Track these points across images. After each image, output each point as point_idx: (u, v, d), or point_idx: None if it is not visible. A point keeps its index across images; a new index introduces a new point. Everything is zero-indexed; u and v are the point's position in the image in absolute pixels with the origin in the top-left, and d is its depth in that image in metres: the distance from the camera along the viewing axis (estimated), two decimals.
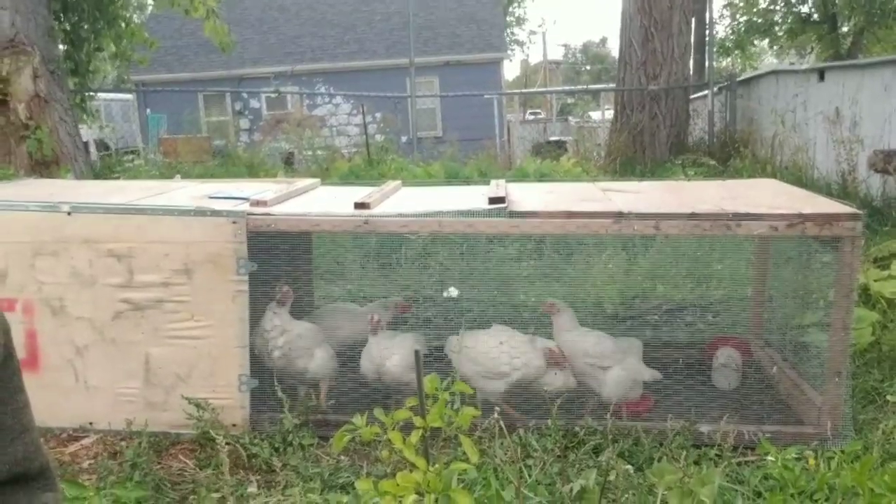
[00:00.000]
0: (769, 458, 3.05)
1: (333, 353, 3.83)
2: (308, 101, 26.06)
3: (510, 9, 45.18)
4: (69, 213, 3.40)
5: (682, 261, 5.37)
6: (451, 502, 1.74)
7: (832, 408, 3.39)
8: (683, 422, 3.35)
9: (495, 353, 3.63)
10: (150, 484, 3.01)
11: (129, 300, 3.42)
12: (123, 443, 3.41)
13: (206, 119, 25.83)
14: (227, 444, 3.31)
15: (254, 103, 26.18)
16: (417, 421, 1.88)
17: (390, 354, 3.63)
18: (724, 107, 12.78)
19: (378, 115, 23.78)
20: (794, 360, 4.03)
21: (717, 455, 3.20)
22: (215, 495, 2.96)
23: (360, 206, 3.47)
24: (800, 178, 8.49)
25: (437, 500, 1.73)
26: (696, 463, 3.20)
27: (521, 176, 9.13)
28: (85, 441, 3.47)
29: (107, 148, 23.39)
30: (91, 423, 3.50)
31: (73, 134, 10.58)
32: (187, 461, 3.35)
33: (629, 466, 3.20)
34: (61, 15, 11.34)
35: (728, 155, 10.86)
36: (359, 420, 1.90)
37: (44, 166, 9.82)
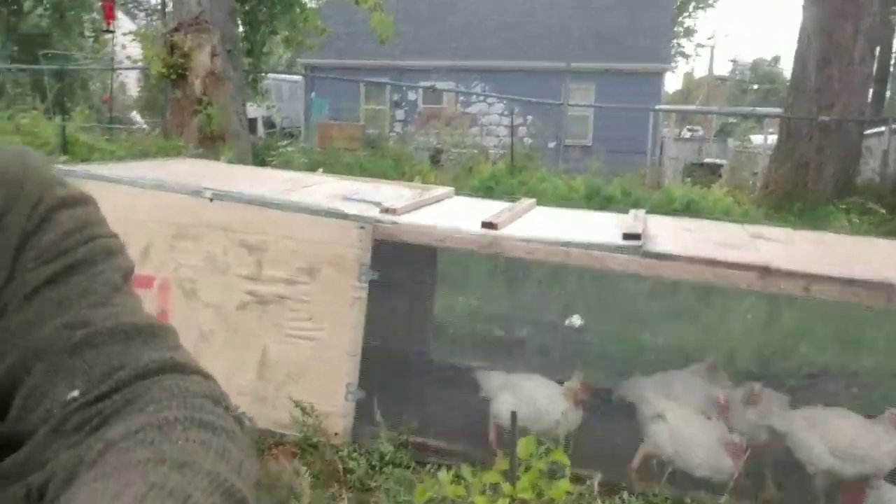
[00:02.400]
0: None
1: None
2: (462, 97, 26.32)
3: (680, 18, 43.62)
4: (211, 200, 3.53)
5: (832, 320, 4.94)
6: None
7: None
8: None
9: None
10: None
11: (254, 292, 3.50)
12: None
13: (364, 107, 26.66)
14: (325, 457, 3.35)
15: (411, 95, 26.73)
16: (506, 488, 1.77)
17: None
18: None
19: (530, 117, 23.66)
20: None
21: None
22: None
23: (487, 225, 3.38)
24: None
25: None
26: None
27: (667, 201, 8.74)
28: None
29: (273, 126, 24.65)
30: None
31: (239, 112, 11.16)
32: (286, 464, 3.39)
33: None
34: None
35: None
36: (444, 476, 1.81)
37: (210, 141, 10.42)
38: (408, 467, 3.29)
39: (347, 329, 3.42)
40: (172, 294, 3.59)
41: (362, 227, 3.38)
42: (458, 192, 8.03)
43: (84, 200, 0.79)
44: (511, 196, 7.16)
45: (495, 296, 5.36)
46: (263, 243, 3.48)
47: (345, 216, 3.42)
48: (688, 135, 32.12)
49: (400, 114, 27.24)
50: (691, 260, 3.17)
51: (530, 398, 3.43)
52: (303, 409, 3.34)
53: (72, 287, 0.71)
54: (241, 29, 12.19)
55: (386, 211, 3.49)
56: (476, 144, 16.12)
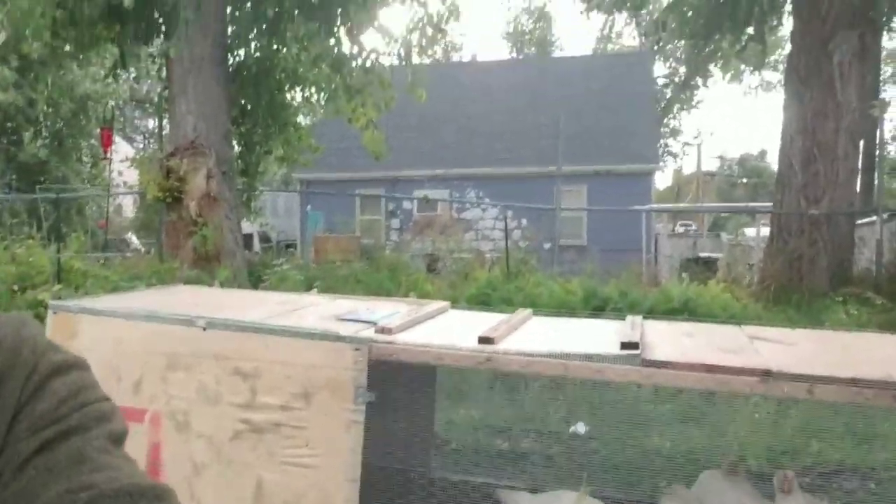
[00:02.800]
0: None
1: None
2: (457, 204, 26.77)
3: (665, 120, 45.01)
4: (204, 329, 3.51)
5: (842, 415, 4.83)
6: None
7: None
8: None
9: None
10: None
11: (248, 421, 3.42)
12: None
13: (360, 217, 27.10)
14: None
15: (406, 204, 27.21)
16: None
17: None
18: (894, 235, 11.82)
19: (524, 221, 24.01)
20: None
21: None
22: None
23: (484, 340, 3.35)
24: None
25: None
26: None
27: (665, 300, 8.73)
28: None
29: (268, 240, 24.92)
30: None
31: (234, 231, 11.30)
32: None
33: None
34: (239, 119, 12.33)
35: None
36: None
37: (205, 261, 10.51)
38: None
39: (345, 454, 3.32)
40: (164, 427, 3.51)
41: (357, 349, 3.35)
42: (456, 300, 8.03)
43: (77, 365, 0.80)
44: (508, 304, 7.16)
45: (496, 406, 5.26)
46: (257, 370, 3.43)
47: (339, 338, 3.39)
48: (681, 230, 32.54)
49: (395, 223, 27.66)
50: (691, 367, 3.12)
51: None
52: None
53: (64, 453, 0.71)
54: (236, 149, 12.50)
55: (381, 330, 3.47)
56: (472, 249, 16.27)
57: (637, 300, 8.84)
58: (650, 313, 7.42)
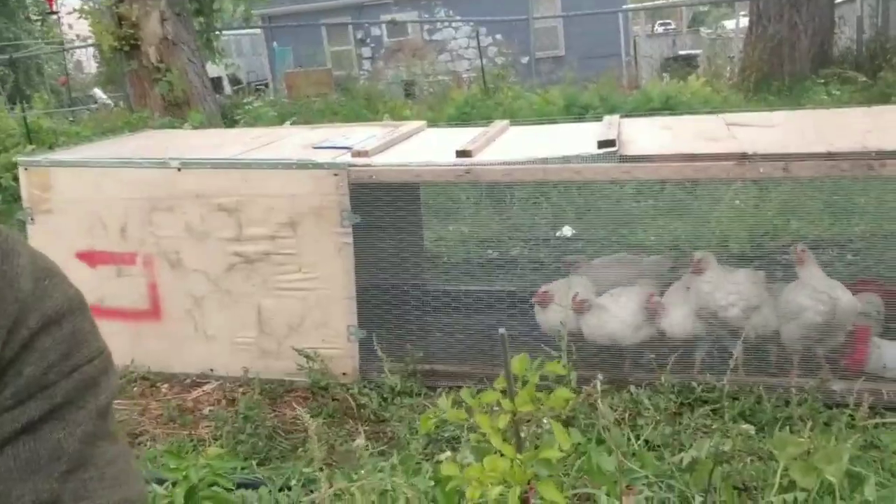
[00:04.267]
0: None
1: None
2: (428, 26, 25.75)
3: None
4: (179, 169, 3.48)
5: (821, 192, 4.93)
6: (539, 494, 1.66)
7: None
8: (812, 380, 3.10)
9: None
10: (263, 434, 3.11)
11: (240, 253, 3.49)
12: (241, 389, 3.55)
13: (329, 49, 26.11)
14: (336, 397, 3.41)
15: (375, 31, 26.14)
16: (505, 404, 1.79)
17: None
18: (874, 11, 11.51)
19: (499, 36, 23.19)
20: None
21: (850, 417, 2.93)
22: (324, 447, 3.02)
23: (462, 154, 3.35)
24: None
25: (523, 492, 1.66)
26: (827, 424, 2.96)
27: (645, 101, 8.64)
28: (206, 387, 3.64)
29: (239, 82, 24.13)
30: (212, 370, 3.66)
31: (200, 74, 10.94)
32: (300, 409, 3.44)
33: (749, 426, 3.01)
34: None
35: (879, 67, 9.80)
36: (443, 402, 1.83)
37: (176, 107, 10.26)
38: (419, 395, 3.35)
39: (339, 275, 3.42)
40: (158, 266, 3.58)
41: (336, 174, 3.35)
42: (435, 122, 7.94)
43: (71, 309, 0.71)
44: (487, 120, 7.08)
45: (484, 219, 5.34)
46: (240, 204, 3.44)
47: (317, 165, 3.38)
48: (660, 30, 31.55)
49: (366, 51, 26.69)
50: (668, 158, 3.15)
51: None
52: (307, 357, 3.38)
53: (45, 445, 0.68)
54: None
55: (358, 154, 3.45)
56: (448, 71, 15.87)
57: (618, 104, 8.75)
58: (632, 115, 7.38)
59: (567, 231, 5.33)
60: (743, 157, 3.04)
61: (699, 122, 4.07)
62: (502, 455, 1.71)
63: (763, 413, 3.07)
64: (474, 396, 1.81)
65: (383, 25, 25.23)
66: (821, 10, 11.40)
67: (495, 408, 1.91)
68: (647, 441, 2.87)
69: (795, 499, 2.28)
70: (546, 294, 3.55)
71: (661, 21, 36.22)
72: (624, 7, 22.09)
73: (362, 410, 3.34)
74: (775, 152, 3.05)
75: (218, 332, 3.61)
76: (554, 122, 7.54)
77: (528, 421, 2.05)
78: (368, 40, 26.42)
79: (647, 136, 3.61)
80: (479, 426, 1.79)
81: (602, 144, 3.21)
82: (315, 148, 3.68)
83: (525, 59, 19.19)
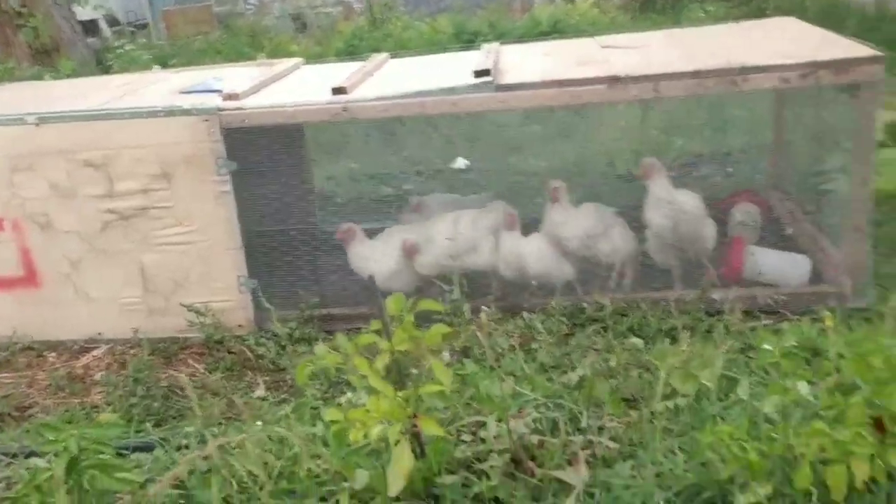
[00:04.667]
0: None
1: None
2: None
3: None
4: (37, 125, 3.26)
5: (700, 110, 5.06)
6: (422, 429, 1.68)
7: (852, 264, 3.22)
8: (693, 292, 3.24)
9: None
10: (158, 394, 3.02)
11: (113, 210, 3.32)
12: (133, 351, 3.43)
13: None
14: (233, 347, 3.35)
15: None
16: (383, 345, 1.79)
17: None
18: None
19: None
20: (815, 212, 3.82)
21: (727, 327, 3.08)
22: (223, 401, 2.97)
23: (337, 91, 3.25)
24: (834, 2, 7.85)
25: (404, 428, 1.67)
26: (708, 332, 3.11)
27: (534, 26, 8.61)
28: (95, 352, 3.49)
29: (117, 23, 22.65)
30: (99, 334, 3.51)
31: (68, 18, 10.23)
32: (197, 366, 3.37)
33: (638, 340, 3.13)
34: None
35: None
36: (320, 349, 1.81)
37: (45, 55, 9.58)
38: (317, 340, 3.31)
39: (220, 224, 3.31)
40: (28, 230, 3.38)
41: (207, 120, 3.20)
42: (323, 57, 7.69)
43: None
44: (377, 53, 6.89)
45: (375, 155, 5.26)
46: (107, 158, 3.26)
47: (186, 112, 3.22)
48: None
49: None
50: (543, 85, 3.14)
51: None
52: (197, 312, 3.29)
53: None
54: None
55: (229, 97, 3.30)
56: (338, 2, 15.32)
57: (507, 29, 8.68)
58: (521, 40, 7.34)
59: (460, 162, 5.32)
60: (614, 80, 3.07)
61: (577, 46, 4.06)
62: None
63: (649, 327, 3.19)
64: (351, 340, 1.80)
65: None
66: None
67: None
68: (542, 364, 2.94)
69: (676, 405, 2.39)
70: (350, 230, 3.59)
71: None
72: None
73: (260, 361, 3.29)
74: (645, 73, 3.09)
75: (101, 294, 3.46)
76: (445, 50, 7.43)
77: (416, 358, 2.07)
78: None
79: (524, 63, 3.59)
80: (358, 369, 1.79)
81: (478, 74, 3.17)
82: (183, 93, 3.50)
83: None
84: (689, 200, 3.45)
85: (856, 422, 1.83)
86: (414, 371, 2.04)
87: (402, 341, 1.77)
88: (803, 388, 2.25)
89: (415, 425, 1.93)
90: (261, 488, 2.01)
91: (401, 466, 1.83)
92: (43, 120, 3.26)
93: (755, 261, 3.49)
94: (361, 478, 1.94)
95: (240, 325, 3.43)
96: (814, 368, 2.30)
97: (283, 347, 3.32)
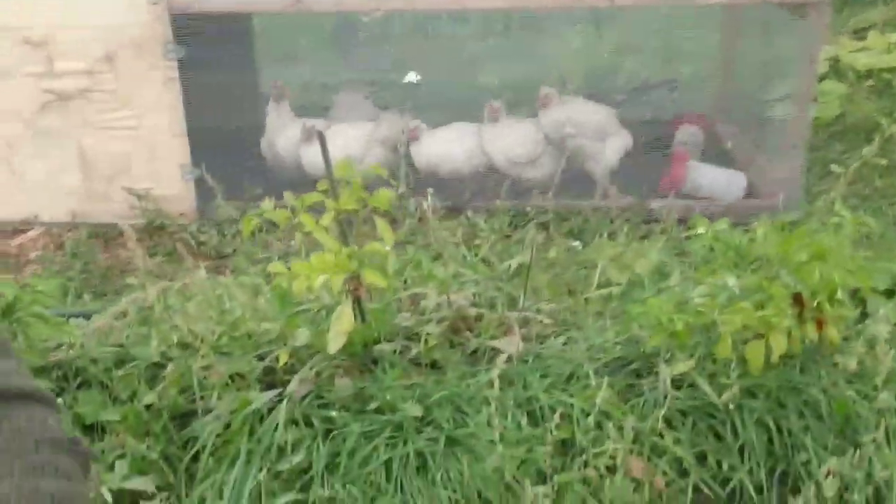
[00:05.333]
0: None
1: None
2: None
3: None
4: None
5: (655, 36, 5.11)
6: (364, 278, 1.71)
7: (786, 179, 3.35)
8: (632, 198, 3.33)
9: None
10: (97, 273, 3.00)
11: (52, 90, 3.23)
12: (70, 234, 3.38)
13: None
14: (175, 232, 3.32)
15: None
16: (329, 204, 1.81)
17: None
18: None
19: None
20: (757, 135, 3.94)
21: (663, 231, 3.19)
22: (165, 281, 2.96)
23: None
24: None
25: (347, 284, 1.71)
26: (644, 237, 3.21)
27: None
28: (30, 234, 3.43)
29: None
30: (35, 216, 3.44)
31: None
32: (136, 248, 3.33)
33: (577, 243, 3.22)
34: None
35: None
36: (267, 203, 1.82)
37: None
38: (260, 231, 3.30)
39: (165, 111, 3.25)
40: None
41: (155, 2, 3.11)
42: None
43: None
44: None
45: (327, 62, 5.18)
46: (48, 37, 3.15)
47: None
48: None
49: None
50: None
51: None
52: (138, 196, 3.24)
53: None
54: None
55: None
56: None
57: None
58: None
59: (413, 77, 5.28)
60: None
61: None
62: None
63: (589, 231, 3.28)
64: (297, 198, 1.82)
65: None
66: None
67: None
68: (483, 259, 3.00)
69: (611, 293, 2.48)
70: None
71: None
72: None
73: (202, 248, 3.28)
74: None
75: (37, 176, 3.37)
76: None
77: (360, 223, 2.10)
78: None
79: None
80: (303, 225, 1.81)
81: None
82: None
83: None
84: (586, 115, 3.55)
85: (777, 300, 1.94)
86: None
87: (348, 201, 1.79)
88: (731, 280, 2.37)
89: (356, 288, 1.97)
90: (201, 341, 2.04)
91: (341, 324, 1.88)
92: None
93: (695, 176, 3.59)
94: (302, 336, 1.98)
95: (182, 214, 3.41)
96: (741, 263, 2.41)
97: (225, 236, 3.31)
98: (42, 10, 3.15)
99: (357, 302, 2.01)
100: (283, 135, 3.59)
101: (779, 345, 1.93)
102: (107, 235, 3.35)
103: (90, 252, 3.07)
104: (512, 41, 5.17)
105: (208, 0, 3.14)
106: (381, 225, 1.79)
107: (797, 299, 1.89)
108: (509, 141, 3.59)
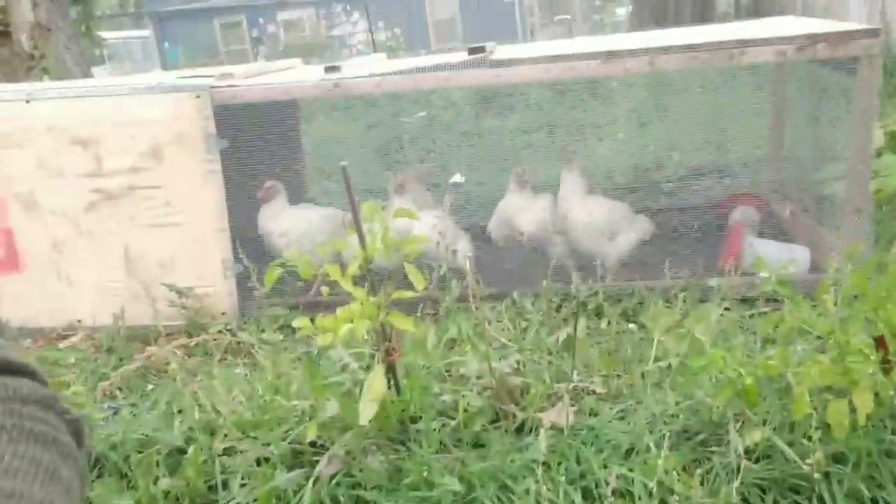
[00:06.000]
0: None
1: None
2: (325, 21, 25.49)
3: None
4: (27, 102, 3.24)
5: (701, 128, 5.05)
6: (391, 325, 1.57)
7: (850, 246, 3.12)
8: (689, 275, 3.14)
9: None
10: (133, 373, 2.92)
11: (100, 189, 3.27)
12: (112, 337, 3.33)
13: (224, 49, 25.53)
14: (214, 336, 3.24)
15: (271, 29, 25.72)
16: (357, 252, 1.70)
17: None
18: None
19: (397, 30, 23.16)
20: (815, 211, 3.75)
21: (726, 309, 2.97)
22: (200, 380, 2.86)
23: (330, 69, 3.24)
24: None
25: (373, 328, 1.57)
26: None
27: None
28: (73, 339, 3.39)
29: None
30: (79, 321, 3.42)
31: (80, 63, 10.42)
32: (177, 351, 3.25)
33: (632, 325, 3.01)
34: None
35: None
36: (291, 253, 1.72)
37: None
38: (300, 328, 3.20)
39: (209, 205, 3.25)
40: (11, 210, 3.32)
41: (199, 96, 3.18)
42: None
43: None
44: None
45: (367, 165, 5.23)
46: (97, 135, 3.23)
47: (177, 88, 3.21)
48: (558, 21, 32.18)
49: (263, 50, 26.18)
50: (536, 60, 3.12)
51: None
52: (179, 293, 3.19)
53: None
54: None
55: (223, 76, 3.30)
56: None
57: None
58: None
59: (459, 178, 5.29)
60: (609, 55, 3.05)
61: (574, 41, 4.09)
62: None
63: (644, 313, 3.08)
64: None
65: (280, 23, 24.84)
66: None
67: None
68: (532, 342, 2.82)
69: (669, 364, 2.27)
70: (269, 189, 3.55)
71: (558, 17, 36.99)
72: None
73: (241, 346, 3.18)
74: (640, 47, 3.07)
75: (83, 278, 3.37)
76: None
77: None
78: (266, 38, 25.98)
79: (522, 50, 3.59)
80: (329, 276, 1.70)
81: (472, 51, 3.16)
82: (178, 79, 3.50)
83: (423, 51, 19.22)
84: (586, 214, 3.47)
85: (856, 347, 1.72)
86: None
87: (377, 248, 1.68)
88: (801, 345, 2.15)
89: (390, 354, 1.83)
90: (225, 420, 1.90)
91: (373, 391, 1.73)
92: (33, 97, 3.25)
93: (754, 250, 3.39)
94: (331, 407, 1.83)
95: (223, 313, 3.34)
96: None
97: (264, 331, 3.21)
98: (89, 108, 3.24)
99: (391, 370, 1.86)
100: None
101: (864, 403, 1.70)
102: (147, 337, 3.28)
103: (126, 350, 3.00)
104: (555, 140, 5.16)
105: (250, 90, 3.19)
106: (411, 270, 1.67)
107: (880, 343, 1.67)
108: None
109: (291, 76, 3.38)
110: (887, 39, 7.37)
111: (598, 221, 3.50)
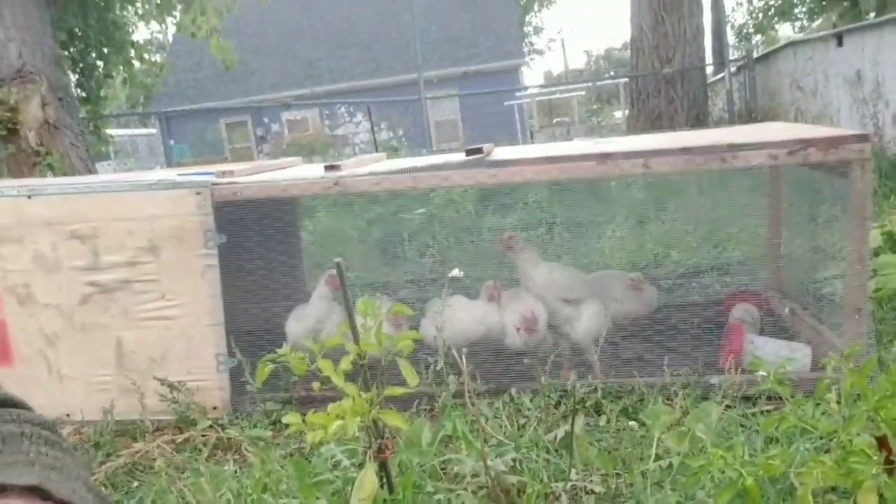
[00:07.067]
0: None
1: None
2: (328, 121, 26.13)
3: (526, 18, 45.17)
4: (29, 197, 3.28)
5: (700, 225, 5.12)
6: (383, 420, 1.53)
7: (849, 346, 3.09)
8: (689, 372, 3.09)
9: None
10: (118, 467, 2.84)
11: (95, 282, 3.27)
12: (101, 432, 3.25)
13: (229, 147, 26.10)
14: (205, 432, 3.17)
15: (275, 127, 26.34)
16: (350, 347, 1.68)
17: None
18: (742, 86, 12.42)
19: (400, 131, 23.75)
20: (815, 310, 3.74)
21: (728, 406, 2.92)
22: (188, 477, 2.77)
23: (330, 168, 3.30)
24: None
25: (364, 424, 1.53)
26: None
27: None
28: (62, 433, 3.31)
29: None
30: (68, 415, 3.35)
31: (84, 159, 10.64)
32: (165, 446, 3.17)
33: (633, 423, 2.95)
34: (68, 43, 11.50)
35: None
36: (285, 349, 1.70)
37: None
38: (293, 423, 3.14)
39: (204, 299, 3.24)
40: (6, 303, 3.31)
41: (199, 193, 3.22)
42: None
43: None
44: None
45: (372, 266, 5.25)
46: (94, 230, 3.25)
47: (177, 185, 3.25)
48: (557, 123, 33.08)
49: (267, 148, 26.75)
50: (533, 161, 3.18)
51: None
52: (171, 387, 3.14)
53: None
54: (73, 77, 11.70)
55: (223, 174, 3.35)
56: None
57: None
58: None
59: (457, 273, 5.30)
60: (604, 157, 3.11)
61: (570, 144, 4.18)
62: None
63: (644, 410, 3.02)
64: (316, 343, 1.69)
65: (284, 121, 25.47)
66: (694, 85, 12.23)
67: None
68: (530, 439, 2.76)
69: (670, 463, 2.21)
70: None
71: (557, 119, 38.07)
72: (511, 89, 22.97)
73: (231, 442, 3.11)
74: (635, 150, 3.13)
75: (73, 372, 3.33)
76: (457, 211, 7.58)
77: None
78: (269, 136, 26.57)
79: (519, 151, 3.66)
80: (322, 372, 1.67)
81: (470, 152, 3.23)
82: (179, 175, 3.56)
83: (425, 151, 19.64)
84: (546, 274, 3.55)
85: (859, 447, 1.67)
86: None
87: (369, 344, 1.66)
88: (804, 445, 2.10)
89: (382, 452, 1.78)
90: None
91: (364, 491, 1.67)
92: (34, 192, 3.29)
93: (754, 349, 3.36)
94: None
95: (214, 407, 3.28)
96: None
97: (256, 426, 3.14)
98: (90, 205, 3.28)
99: (383, 467, 1.81)
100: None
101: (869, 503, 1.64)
102: (136, 433, 3.21)
103: (113, 445, 2.92)
104: (554, 238, 5.21)
105: (250, 188, 3.23)
106: (404, 366, 1.64)
107: (882, 443, 1.63)
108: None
109: (291, 174, 3.43)
110: (879, 142, 7.56)
111: (559, 280, 3.58)
